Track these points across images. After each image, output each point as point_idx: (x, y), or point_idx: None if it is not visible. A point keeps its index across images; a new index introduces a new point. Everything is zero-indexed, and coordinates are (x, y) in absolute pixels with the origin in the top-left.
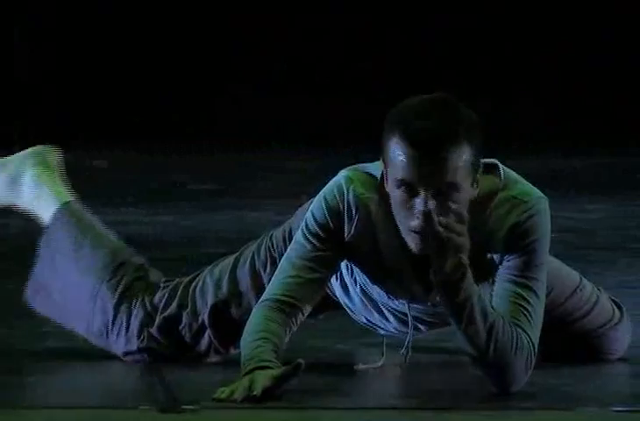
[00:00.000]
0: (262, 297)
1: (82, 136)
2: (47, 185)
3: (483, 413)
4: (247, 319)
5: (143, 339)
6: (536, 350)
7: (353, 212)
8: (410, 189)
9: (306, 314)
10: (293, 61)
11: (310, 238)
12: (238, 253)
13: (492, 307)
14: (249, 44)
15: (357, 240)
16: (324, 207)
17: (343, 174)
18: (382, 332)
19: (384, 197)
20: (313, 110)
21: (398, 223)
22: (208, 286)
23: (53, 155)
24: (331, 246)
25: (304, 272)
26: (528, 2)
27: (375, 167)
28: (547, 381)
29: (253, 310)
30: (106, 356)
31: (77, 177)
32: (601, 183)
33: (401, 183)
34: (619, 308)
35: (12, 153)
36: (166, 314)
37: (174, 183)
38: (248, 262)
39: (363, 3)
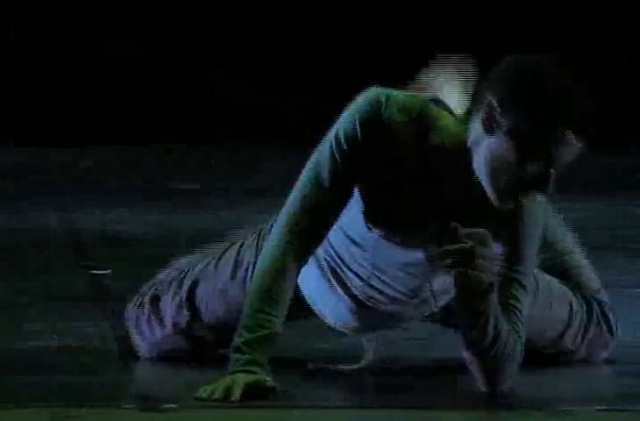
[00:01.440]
0: (279, 232)
1: (70, 135)
2: None
3: (478, 413)
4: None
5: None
6: (522, 349)
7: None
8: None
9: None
10: (293, 61)
11: (336, 153)
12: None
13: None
14: (249, 44)
15: (378, 165)
16: (357, 120)
17: (382, 92)
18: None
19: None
20: (312, 109)
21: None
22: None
23: None
24: (354, 166)
25: (321, 195)
26: (528, 2)
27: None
28: (533, 381)
29: (272, 248)
30: (87, 355)
31: (63, 176)
32: (599, 183)
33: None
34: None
35: (11, 152)
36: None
37: (157, 182)
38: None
39: (363, 3)
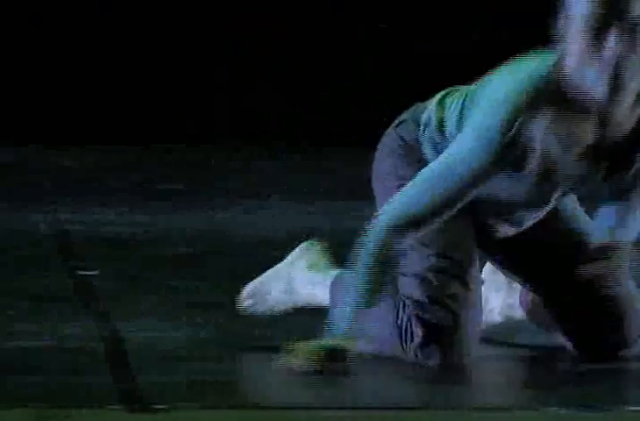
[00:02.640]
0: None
1: (69, 135)
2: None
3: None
4: None
5: None
6: None
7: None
8: None
9: None
10: (293, 61)
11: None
12: None
13: None
14: (249, 44)
15: None
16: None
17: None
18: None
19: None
20: (312, 109)
21: None
22: None
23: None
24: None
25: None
26: (528, 0)
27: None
28: (517, 379)
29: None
30: (74, 355)
31: (48, 177)
32: None
33: None
34: None
35: (11, 151)
36: None
37: (144, 183)
38: None
39: (363, 3)
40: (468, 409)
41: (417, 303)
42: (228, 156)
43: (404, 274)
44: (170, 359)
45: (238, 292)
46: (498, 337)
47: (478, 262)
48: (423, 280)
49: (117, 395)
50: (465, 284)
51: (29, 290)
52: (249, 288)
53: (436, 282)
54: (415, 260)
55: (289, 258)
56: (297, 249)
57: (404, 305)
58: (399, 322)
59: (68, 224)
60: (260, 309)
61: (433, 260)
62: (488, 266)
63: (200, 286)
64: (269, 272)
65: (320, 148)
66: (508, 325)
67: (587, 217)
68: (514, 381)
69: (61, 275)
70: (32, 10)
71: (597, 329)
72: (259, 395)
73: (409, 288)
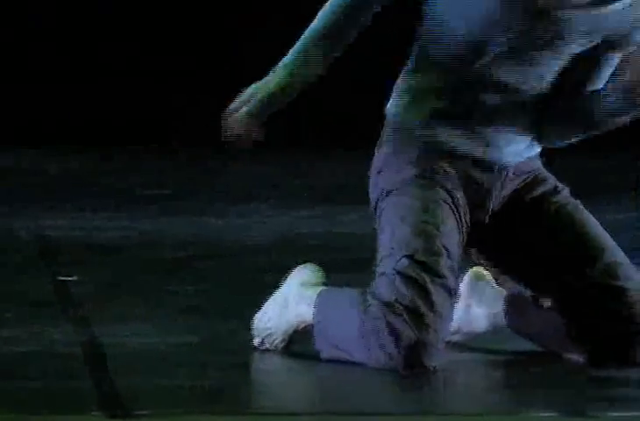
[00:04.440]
0: None
1: (69, 135)
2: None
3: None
4: None
5: None
6: None
7: None
8: None
9: None
10: None
11: None
12: None
13: None
14: (249, 44)
15: None
16: None
17: None
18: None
19: None
20: (313, 112)
21: None
22: None
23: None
24: None
25: None
26: None
27: None
28: (500, 384)
29: None
30: (58, 361)
31: (31, 182)
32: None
33: None
34: None
35: (10, 152)
36: None
37: (133, 188)
38: None
39: None
40: (453, 414)
41: (385, 304)
42: (227, 157)
43: (379, 274)
44: (152, 364)
45: (230, 297)
46: (482, 343)
47: (455, 270)
48: (392, 282)
49: (99, 401)
50: (437, 290)
51: (12, 296)
52: (254, 322)
53: (404, 286)
54: (389, 260)
55: (286, 281)
56: (293, 271)
57: (369, 305)
58: (364, 326)
59: (53, 229)
60: (266, 345)
61: (406, 262)
62: (470, 275)
63: (190, 291)
64: (268, 300)
65: (320, 148)
66: (493, 333)
67: (602, 231)
68: (496, 385)
69: (43, 281)
70: (32, 10)
71: (619, 336)
72: (243, 400)
73: (380, 287)
